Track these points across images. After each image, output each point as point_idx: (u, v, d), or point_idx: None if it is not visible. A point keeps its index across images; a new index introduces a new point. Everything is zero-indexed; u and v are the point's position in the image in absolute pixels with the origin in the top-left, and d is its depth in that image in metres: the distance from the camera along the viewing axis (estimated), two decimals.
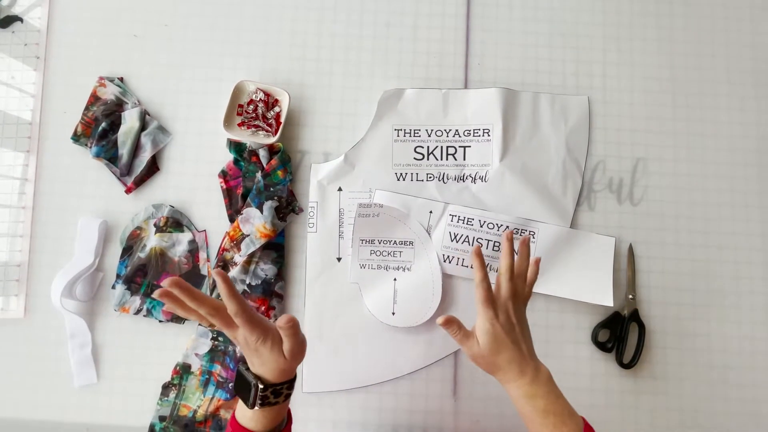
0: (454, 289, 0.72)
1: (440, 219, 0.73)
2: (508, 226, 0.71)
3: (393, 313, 0.70)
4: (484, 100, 0.75)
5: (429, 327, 0.71)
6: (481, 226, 0.72)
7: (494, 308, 0.52)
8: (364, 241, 0.72)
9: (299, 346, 0.50)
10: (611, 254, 0.72)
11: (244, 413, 0.50)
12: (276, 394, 0.49)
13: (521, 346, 0.53)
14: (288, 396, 0.51)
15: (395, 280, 0.72)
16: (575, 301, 0.72)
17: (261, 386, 0.48)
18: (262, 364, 0.49)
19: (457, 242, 0.72)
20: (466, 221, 0.72)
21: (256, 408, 0.49)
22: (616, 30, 0.79)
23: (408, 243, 0.72)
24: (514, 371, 0.52)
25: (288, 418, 0.54)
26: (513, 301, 0.54)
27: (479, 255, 0.55)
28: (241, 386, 0.50)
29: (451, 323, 0.52)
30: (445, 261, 0.72)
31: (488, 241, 0.72)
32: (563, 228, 0.72)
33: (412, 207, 0.73)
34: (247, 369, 0.51)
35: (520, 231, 0.72)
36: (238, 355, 0.69)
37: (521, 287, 0.57)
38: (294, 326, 0.48)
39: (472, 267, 0.55)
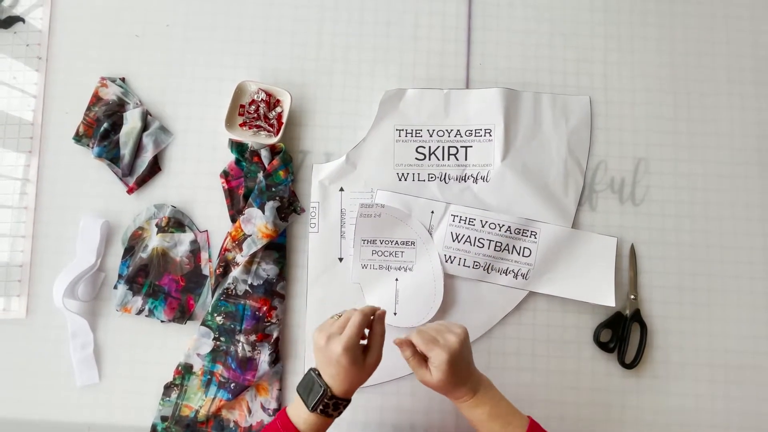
0: (456, 289, 0.72)
1: (442, 219, 0.73)
2: (509, 226, 0.71)
3: (395, 313, 0.70)
4: (486, 100, 0.75)
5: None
6: (483, 227, 0.72)
7: (437, 345, 0.53)
8: (365, 242, 0.72)
9: (378, 359, 0.55)
10: (613, 254, 0.72)
11: (298, 413, 0.53)
12: (336, 407, 0.53)
13: (464, 369, 0.54)
14: (340, 414, 0.54)
15: (397, 280, 0.71)
16: (577, 302, 0.72)
17: (330, 394, 0.52)
18: (336, 375, 0.52)
19: (458, 242, 0.72)
20: (467, 221, 0.72)
21: (313, 413, 0.52)
22: (617, 29, 0.79)
23: (409, 243, 0.72)
24: (461, 392, 0.54)
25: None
26: (441, 331, 0.55)
27: (401, 344, 0.56)
28: (307, 388, 0.53)
29: (405, 347, 0.55)
30: (446, 261, 0.72)
31: (490, 241, 0.72)
32: (565, 228, 0.72)
33: (414, 207, 0.73)
34: (319, 375, 0.53)
35: (521, 231, 0.72)
36: (240, 355, 0.69)
37: (438, 326, 0.57)
38: (383, 333, 0.55)
39: (404, 345, 0.56)
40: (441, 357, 0.52)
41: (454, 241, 0.72)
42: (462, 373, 0.54)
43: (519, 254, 0.72)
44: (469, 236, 0.72)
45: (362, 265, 0.72)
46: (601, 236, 0.73)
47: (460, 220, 0.72)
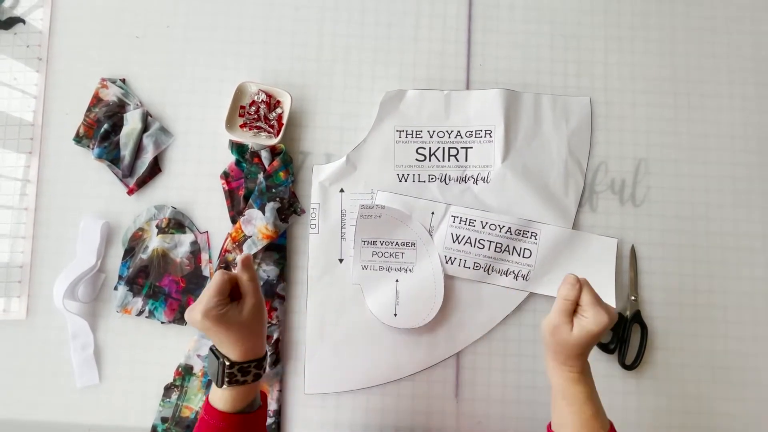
0: (457, 291, 0.72)
1: (442, 220, 0.73)
2: (510, 228, 0.71)
3: (395, 315, 0.70)
4: (486, 102, 0.75)
5: (431, 328, 0.71)
6: (483, 228, 0.72)
7: (604, 308, 0.50)
8: (366, 243, 0.72)
9: (257, 302, 0.52)
10: (613, 255, 0.72)
11: (214, 394, 0.51)
12: (243, 372, 0.50)
13: (593, 344, 0.52)
14: (257, 376, 0.51)
15: (397, 281, 0.71)
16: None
17: (227, 363, 0.49)
18: (222, 342, 0.50)
19: (459, 243, 0.72)
20: (468, 222, 0.72)
21: (225, 387, 0.49)
22: (617, 30, 0.79)
23: (410, 244, 0.72)
24: (577, 362, 0.52)
25: (263, 404, 0.54)
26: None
27: (575, 282, 0.52)
28: (211, 368, 0.51)
29: (575, 288, 0.51)
30: (447, 262, 0.72)
31: (490, 242, 0.71)
32: (565, 229, 0.72)
33: (414, 208, 0.73)
34: (216, 350, 0.51)
35: (522, 232, 0.72)
36: None
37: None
38: (249, 265, 0.52)
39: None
40: (602, 318, 0.49)
41: (454, 242, 0.72)
42: (590, 347, 0.52)
43: (519, 255, 0.72)
44: (469, 237, 0.72)
45: (362, 266, 0.72)
46: (601, 237, 0.73)
47: (461, 221, 0.72)
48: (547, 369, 0.54)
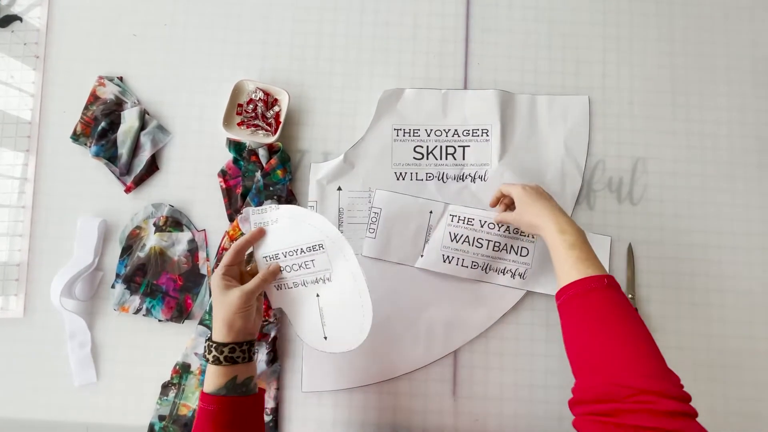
0: (454, 289, 0.72)
1: (440, 219, 0.73)
2: (508, 226, 0.71)
3: (325, 338, 0.59)
4: (483, 101, 0.75)
5: (429, 327, 0.71)
6: (482, 226, 0.72)
7: (518, 184, 0.65)
8: (267, 258, 0.60)
9: (252, 290, 0.55)
10: (607, 253, 0.72)
11: (206, 382, 0.54)
12: (209, 350, 0.54)
13: (551, 201, 0.63)
14: (227, 360, 0.53)
15: (318, 296, 0.59)
16: None
17: (210, 341, 0.54)
18: (215, 316, 0.55)
19: (457, 242, 0.72)
20: (466, 221, 0.72)
21: (208, 363, 0.53)
22: (615, 30, 0.79)
23: (317, 247, 0.59)
24: (549, 217, 0.59)
25: (259, 396, 0.56)
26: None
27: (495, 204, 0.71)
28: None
29: (499, 203, 0.71)
30: (444, 261, 0.72)
31: (489, 241, 0.71)
32: None
33: (413, 207, 0.73)
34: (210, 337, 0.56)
35: (519, 230, 0.72)
36: None
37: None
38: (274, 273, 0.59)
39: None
40: (516, 189, 0.64)
41: (452, 240, 0.72)
42: (543, 200, 0.62)
43: (517, 254, 0.72)
44: (467, 236, 0.72)
45: (276, 287, 0.60)
46: (595, 235, 0.73)
47: (459, 219, 0.72)
48: (545, 241, 0.60)
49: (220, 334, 0.54)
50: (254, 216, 0.61)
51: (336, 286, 0.59)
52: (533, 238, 0.72)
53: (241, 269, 0.59)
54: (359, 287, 0.58)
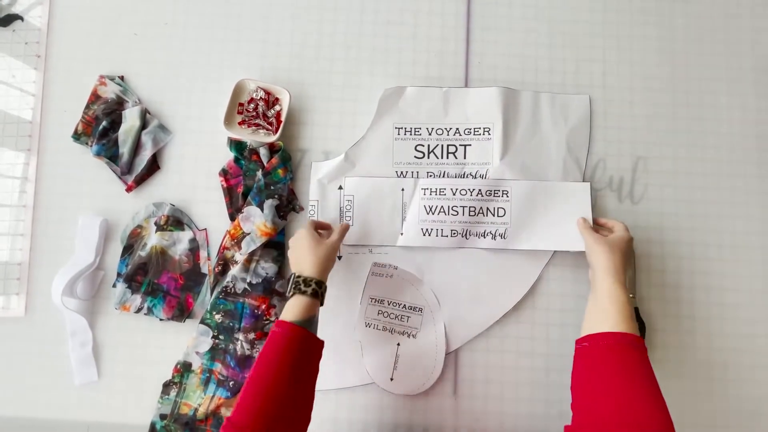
0: (456, 289, 0.72)
1: (413, 194, 0.73)
2: (480, 189, 0.72)
3: (391, 379, 0.70)
4: (485, 99, 0.75)
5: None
6: (454, 194, 0.72)
7: (627, 229, 0.67)
8: (373, 300, 0.72)
9: (336, 243, 0.65)
10: (588, 199, 0.72)
11: (284, 312, 0.59)
12: (306, 284, 0.59)
13: (631, 263, 0.68)
14: (315, 293, 0.59)
15: (399, 345, 0.71)
16: (577, 301, 0.72)
17: (296, 274, 0.61)
18: (300, 258, 0.63)
19: (433, 214, 0.72)
20: (438, 192, 0.72)
21: (290, 294, 0.60)
22: (616, 29, 0.79)
23: (417, 309, 0.72)
24: (621, 272, 0.61)
25: (321, 345, 0.60)
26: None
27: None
28: (285, 285, 0.68)
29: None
30: (424, 235, 0.72)
31: (463, 207, 0.72)
32: (536, 182, 0.72)
33: (384, 187, 0.73)
34: (293, 274, 0.62)
35: (492, 192, 0.72)
36: (239, 354, 0.69)
37: None
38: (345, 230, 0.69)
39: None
40: (622, 229, 0.66)
41: (428, 213, 0.72)
42: (624, 255, 0.63)
43: (494, 215, 0.72)
44: (442, 206, 0.72)
45: (366, 323, 0.71)
46: (573, 183, 0.73)
47: (431, 192, 0.72)
48: (593, 283, 0.62)
49: (310, 272, 0.60)
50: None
51: (418, 343, 0.70)
52: (507, 197, 0.72)
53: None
54: (437, 354, 0.70)
